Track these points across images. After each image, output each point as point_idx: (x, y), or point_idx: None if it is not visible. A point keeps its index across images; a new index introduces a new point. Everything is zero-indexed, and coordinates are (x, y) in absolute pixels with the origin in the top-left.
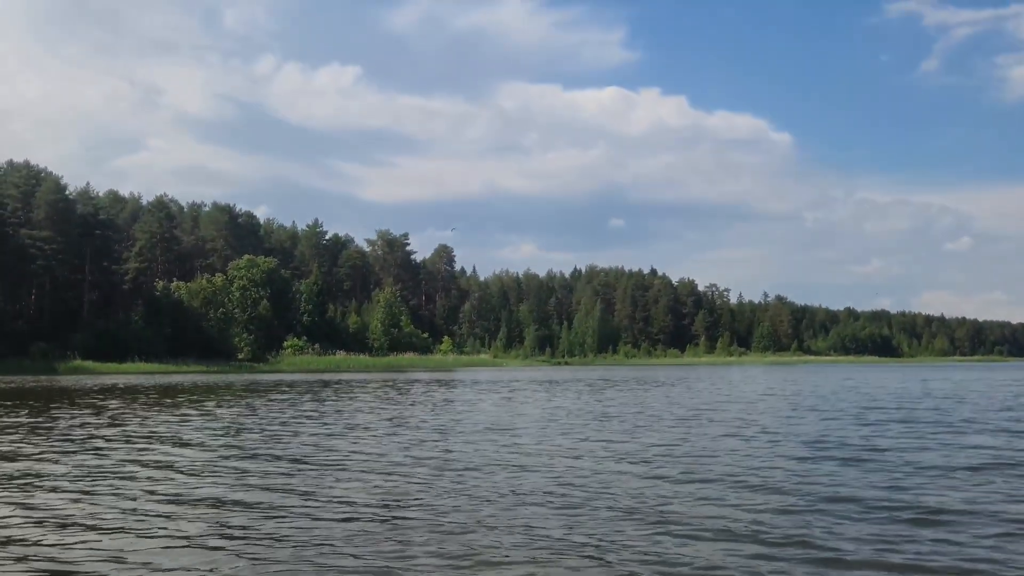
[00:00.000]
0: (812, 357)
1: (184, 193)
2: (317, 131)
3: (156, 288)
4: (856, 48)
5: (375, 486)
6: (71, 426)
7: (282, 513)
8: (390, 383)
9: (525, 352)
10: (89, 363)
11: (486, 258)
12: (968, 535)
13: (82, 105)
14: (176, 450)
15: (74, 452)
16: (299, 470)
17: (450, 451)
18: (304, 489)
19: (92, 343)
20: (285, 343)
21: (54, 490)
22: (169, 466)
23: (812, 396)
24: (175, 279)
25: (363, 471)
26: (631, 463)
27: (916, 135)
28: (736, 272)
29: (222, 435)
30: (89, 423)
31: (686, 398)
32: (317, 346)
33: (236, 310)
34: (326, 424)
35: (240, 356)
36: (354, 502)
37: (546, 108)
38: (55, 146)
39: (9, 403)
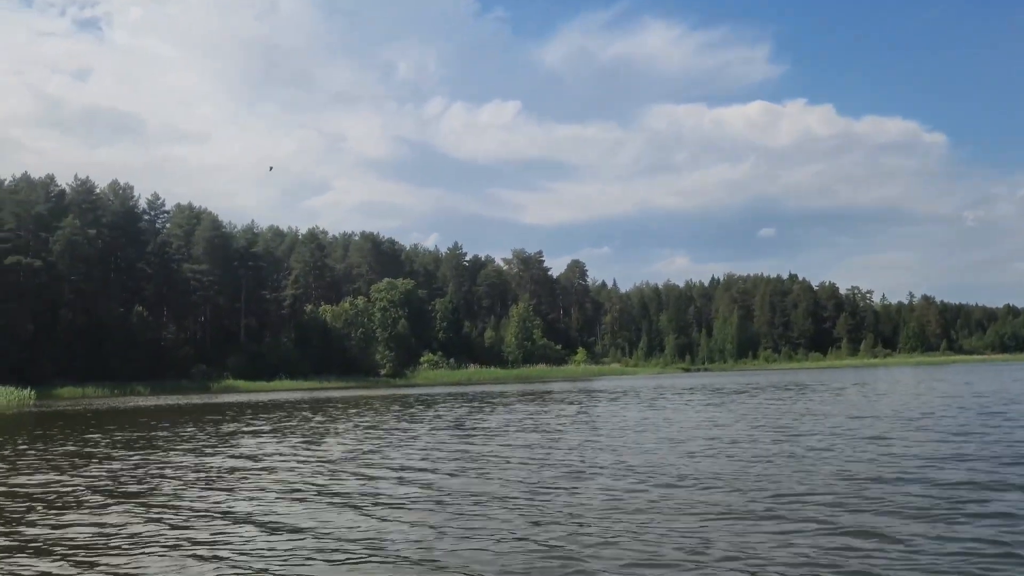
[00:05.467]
0: (963, 356)
1: (367, 225)
2: (481, 163)
3: (304, 312)
4: (1009, 44)
5: None
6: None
7: None
8: (584, 393)
9: (665, 360)
10: (240, 382)
11: (640, 272)
12: None
13: (277, 155)
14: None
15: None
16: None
17: None
18: None
19: (245, 364)
20: (421, 358)
21: None
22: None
23: None
24: (323, 303)
25: None
26: None
27: None
28: (889, 275)
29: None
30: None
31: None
32: (452, 360)
33: (377, 329)
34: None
35: (382, 372)
36: None
37: (694, 127)
38: (256, 192)
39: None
